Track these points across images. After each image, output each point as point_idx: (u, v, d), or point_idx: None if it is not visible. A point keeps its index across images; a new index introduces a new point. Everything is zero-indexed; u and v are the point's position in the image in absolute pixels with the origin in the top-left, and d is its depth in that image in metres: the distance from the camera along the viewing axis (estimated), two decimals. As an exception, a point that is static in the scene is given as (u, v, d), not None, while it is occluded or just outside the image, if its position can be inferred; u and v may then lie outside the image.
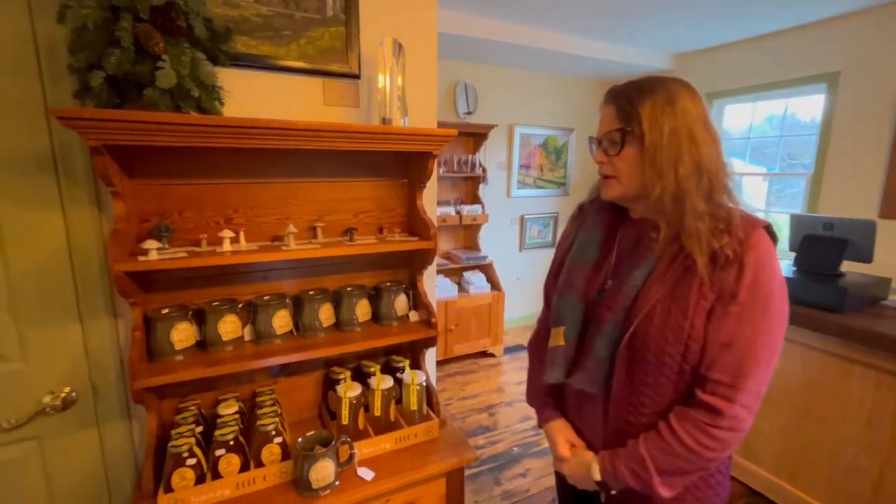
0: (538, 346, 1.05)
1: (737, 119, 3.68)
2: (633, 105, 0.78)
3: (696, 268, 0.74)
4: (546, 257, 4.51)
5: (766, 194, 3.53)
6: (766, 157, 3.54)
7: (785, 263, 2.04)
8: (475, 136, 3.74)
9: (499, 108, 3.92)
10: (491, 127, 3.64)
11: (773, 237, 0.78)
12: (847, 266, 1.89)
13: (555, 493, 2.17)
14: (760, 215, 0.80)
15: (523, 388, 3.16)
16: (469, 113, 3.75)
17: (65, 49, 0.91)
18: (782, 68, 3.19)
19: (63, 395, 1.08)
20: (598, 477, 0.82)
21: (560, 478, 1.05)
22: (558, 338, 0.90)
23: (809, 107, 3.20)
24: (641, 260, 0.81)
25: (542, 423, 1.02)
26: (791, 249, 2.05)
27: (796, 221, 2.06)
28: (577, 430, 0.94)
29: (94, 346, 1.11)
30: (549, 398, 1.01)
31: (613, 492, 0.83)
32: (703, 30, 3.18)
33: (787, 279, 1.89)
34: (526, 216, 4.30)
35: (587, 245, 0.92)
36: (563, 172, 4.45)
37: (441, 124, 1.39)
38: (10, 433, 1.03)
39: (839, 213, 2.82)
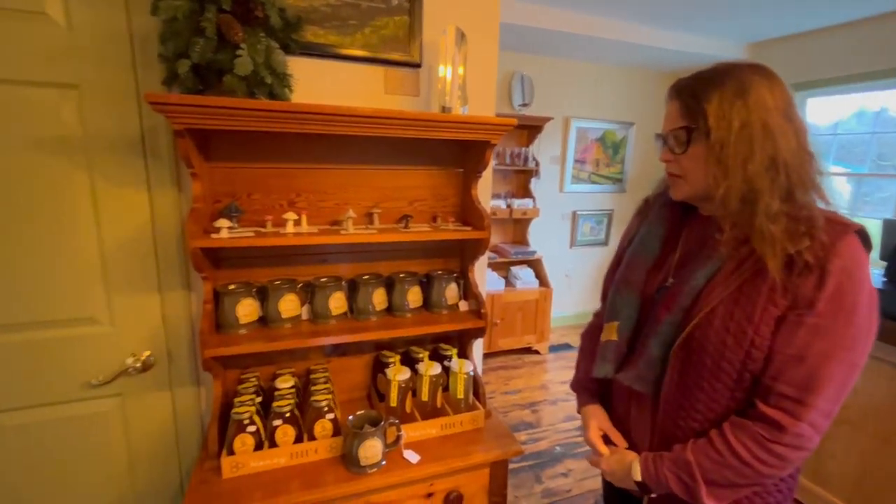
0: (591, 336, 1.04)
1: (821, 114, 3.37)
2: (699, 101, 0.73)
3: (767, 271, 0.68)
4: (598, 256, 4.37)
5: (850, 198, 3.21)
6: (854, 156, 3.22)
7: (875, 273, 1.85)
8: (529, 129, 3.68)
9: (555, 101, 3.83)
10: (546, 119, 3.57)
11: (867, 243, 0.71)
12: (949, 279, 1.69)
13: (597, 497, 2.12)
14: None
15: (568, 387, 3.09)
16: (524, 105, 3.69)
17: (155, 39, 0.99)
18: (878, 58, 2.88)
19: (143, 358, 1.18)
20: (638, 477, 0.79)
21: (606, 479, 1.02)
22: (611, 332, 0.88)
23: (910, 101, 2.87)
24: (707, 259, 0.76)
25: (579, 408, 1.01)
26: (882, 258, 1.86)
27: (890, 227, 1.86)
28: (623, 430, 0.91)
29: (170, 315, 1.21)
30: (591, 384, 0.99)
31: (654, 495, 0.80)
32: (784, 16, 2.93)
33: (878, 291, 1.71)
34: (578, 212, 4.19)
35: (649, 239, 0.89)
36: (621, 168, 4.28)
37: (497, 116, 1.38)
38: (98, 389, 1.15)
39: (941, 221, 2.51)
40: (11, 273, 1.04)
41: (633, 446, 0.88)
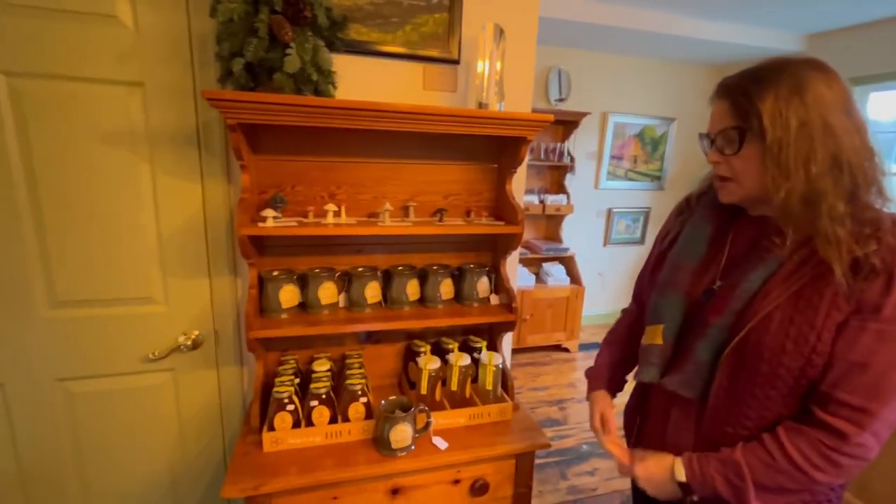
0: (618, 330, 1.06)
1: (884, 109, 3.16)
2: (751, 100, 0.70)
3: (830, 275, 0.66)
4: (633, 254, 4.29)
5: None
6: (919, 155, 3.01)
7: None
8: (565, 124, 3.64)
9: (592, 96, 3.77)
10: (583, 115, 3.52)
11: None
12: None
13: (624, 498, 2.10)
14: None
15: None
16: (561, 100, 3.65)
17: (212, 40, 1.06)
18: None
19: (193, 336, 1.28)
20: (682, 477, 0.78)
21: (636, 485, 1.02)
22: (655, 336, 0.86)
23: None
24: (760, 261, 0.74)
25: (588, 394, 1.03)
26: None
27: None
28: (660, 435, 0.90)
29: (218, 298, 1.30)
30: (606, 372, 1.01)
31: (695, 498, 0.79)
32: (845, 4, 2.75)
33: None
34: (614, 210, 4.12)
35: (695, 240, 0.87)
36: (660, 165, 4.17)
37: (533, 111, 1.39)
38: (154, 363, 1.25)
39: None
40: (84, 254, 1.15)
41: (670, 452, 0.85)
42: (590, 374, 1.06)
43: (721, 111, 0.76)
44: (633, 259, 4.28)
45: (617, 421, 0.96)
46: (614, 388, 1.03)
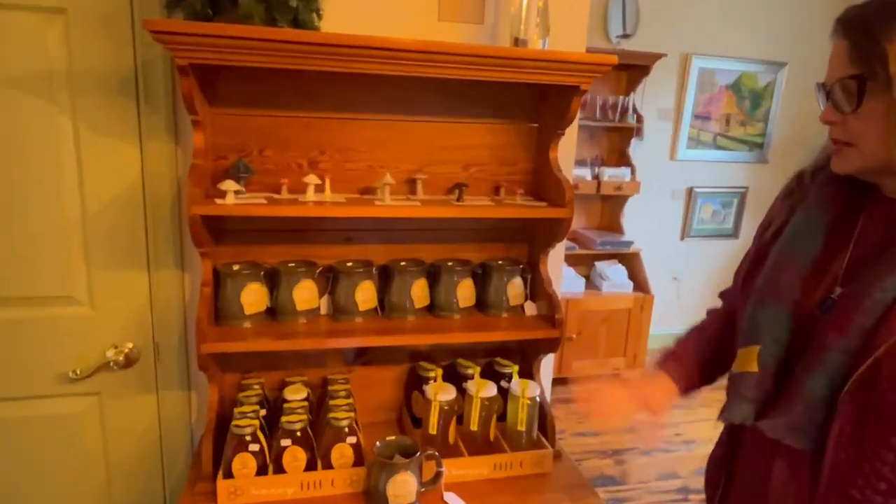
0: (708, 327, 1.08)
1: None
2: (876, 39, 0.70)
3: None
4: (723, 252, 4.27)
5: None
6: None
7: None
8: (630, 70, 3.64)
9: (668, 31, 3.76)
10: (657, 57, 3.50)
11: None
12: None
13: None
14: None
15: (667, 431, 3.04)
16: (625, 36, 3.64)
17: (156, -49, 1.09)
18: None
19: (126, 350, 1.31)
20: None
21: None
22: (749, 361, 0.86)
23: None
24: None
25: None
26: None
27: None
28: (757, 499, 0.89)
29: (160, 299, 1.33)
30: (691, 365, 1.03)
31: None
32: None
33: None
34: (697, 189, 4.10)
35: (808, 232, 0.87)
36: (763, 128, 4.14)
37: (587, 51, 1.39)
38: (74, 384, 1.29)
39: None
40: (-18, 237, 1.19)
41: None
42: (664, 355, 1.07)
43: (839, 54, 0.77)
44: (721, 258, 4.27)
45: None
46: (686, 384, 1.04)
